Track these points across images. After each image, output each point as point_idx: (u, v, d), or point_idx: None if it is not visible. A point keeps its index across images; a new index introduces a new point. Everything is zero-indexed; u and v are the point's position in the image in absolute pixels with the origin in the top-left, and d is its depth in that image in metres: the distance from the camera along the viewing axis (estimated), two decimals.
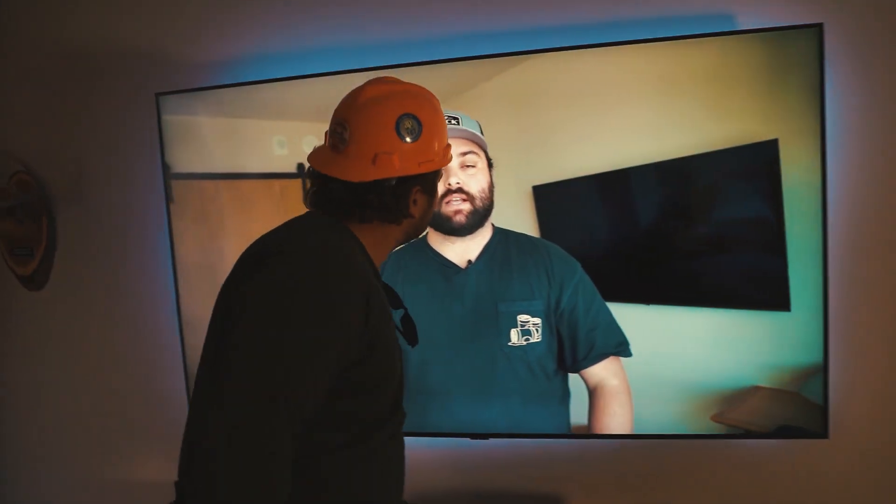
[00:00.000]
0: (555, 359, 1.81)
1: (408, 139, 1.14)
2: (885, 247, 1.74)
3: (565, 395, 1.83)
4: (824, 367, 1.69)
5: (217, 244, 2.04)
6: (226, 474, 0.92)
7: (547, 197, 1.78)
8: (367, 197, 1.15)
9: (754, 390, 1.70)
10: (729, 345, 1.70)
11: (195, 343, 2.05)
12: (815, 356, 1.67)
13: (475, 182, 1.80)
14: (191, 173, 2.03)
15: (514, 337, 1.82)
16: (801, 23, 1.65)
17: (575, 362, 1.80)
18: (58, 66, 2.25)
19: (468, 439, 1.92)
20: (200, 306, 2.07)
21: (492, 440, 1.92)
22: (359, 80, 1.27)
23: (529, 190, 1.79)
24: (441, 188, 1.81)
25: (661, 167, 1.69)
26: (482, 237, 1.83)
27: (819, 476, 1.84)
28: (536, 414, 1.84)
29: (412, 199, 1.18)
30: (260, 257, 1.07)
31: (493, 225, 1.84)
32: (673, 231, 1.73)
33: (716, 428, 1.74)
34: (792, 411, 1.68)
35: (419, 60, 1.83)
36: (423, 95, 1.20)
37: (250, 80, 1.97)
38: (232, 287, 1.08)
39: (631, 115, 1.71)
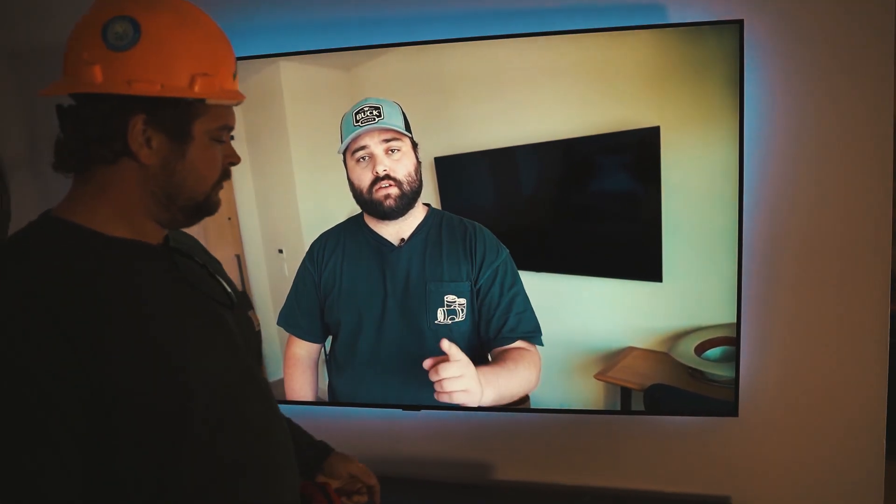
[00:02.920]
0: (477, 337, 1.89)
1: (116, 46, 0.87)
2: (798, 233, 1.83)
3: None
4: (737, 350, 1.78)
5: None
6: None
7: (447, 168, 1.86)
8: (66, 126, 0.91)
9: (629, 350, 1.84)
10: (608, 310, 1.85)
11: None
12: (681, 322, 1.81)
13: (401, 167, 1.83)
14: None
15: (441, 316, 1.87)
16: (723, 18, 1.72)
17: (488, 341, 1.86)
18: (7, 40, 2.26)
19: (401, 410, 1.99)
20: None
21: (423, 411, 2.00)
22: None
23: (432, 161, 1.88)
24: (369, 176, 1.81)
25: (555, 146, 1.80)
26: (414, 218, 1.88)
27: (728, 453, 1.93)
28: None
29: (136, 132, 0.90)
30: None
31: (426, 206, 1.90)
32: (562, 205, 1.87)
33: (601, 387, 1.87)
34: (662, 371, 1.83)
35: (333, 47, 1.87)
36: (165, 4, 0.91)
37: None
38: None
39: (542, 99, 1.78)
